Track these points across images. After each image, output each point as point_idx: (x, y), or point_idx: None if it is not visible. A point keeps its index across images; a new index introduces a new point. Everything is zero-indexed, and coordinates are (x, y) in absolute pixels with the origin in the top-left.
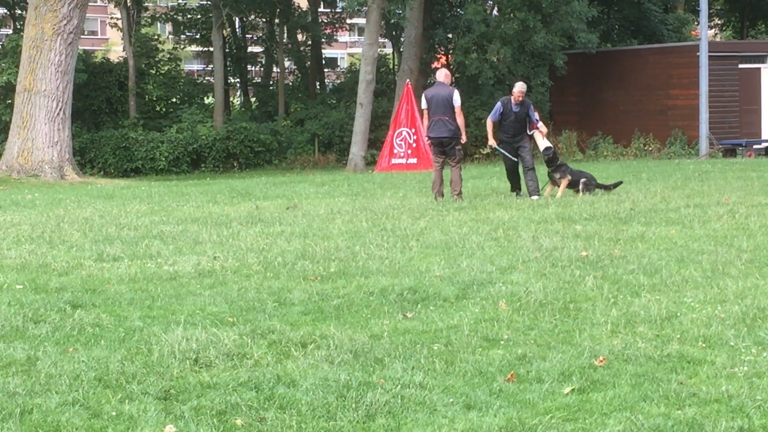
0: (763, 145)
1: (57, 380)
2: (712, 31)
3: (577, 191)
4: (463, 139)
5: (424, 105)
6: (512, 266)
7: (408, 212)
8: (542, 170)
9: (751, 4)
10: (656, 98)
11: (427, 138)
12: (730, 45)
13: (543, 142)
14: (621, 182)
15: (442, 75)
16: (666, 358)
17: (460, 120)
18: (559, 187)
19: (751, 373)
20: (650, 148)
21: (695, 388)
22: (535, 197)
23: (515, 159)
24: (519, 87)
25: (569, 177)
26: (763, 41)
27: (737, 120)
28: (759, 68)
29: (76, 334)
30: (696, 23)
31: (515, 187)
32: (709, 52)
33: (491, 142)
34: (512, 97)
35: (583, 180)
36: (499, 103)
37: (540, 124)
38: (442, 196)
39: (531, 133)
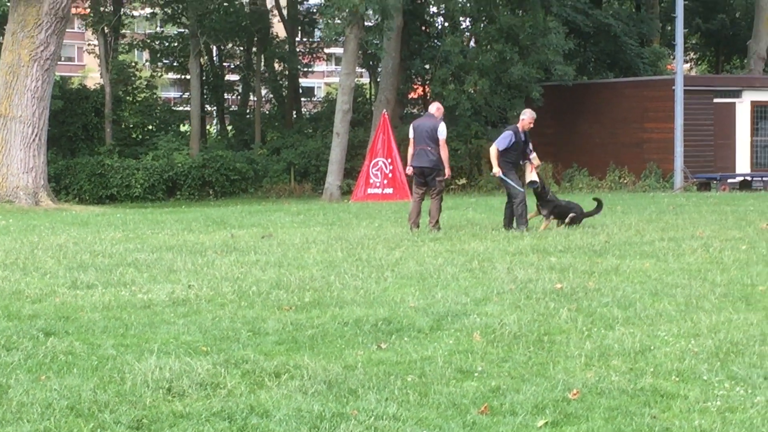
0: (737, 179)
1: (28, 408)
2: (688, 65)
3: (562, 223)
4: (447, 173)
5: (410, 134)
6: (487, 298)
7: (383, 242)
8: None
9: (726, 39)
10: (631, 131)
11: (410, 167)
12: (705, 79)
13: (531, 176)
14: (601, 202)
15: (434, 108)
16: (639, 392)
17: (443, 153)
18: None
19: (724, 408)
20: (625, 181)
21: (668, 423)
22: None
23: (522, 189)
24: (531, 114)
25: (551, 218)
26: (737, 76)
27: (712, 154)
28: (733, 103)
29: (49, 362)
30: (672, 57)
31: (509, 222)
32: (685, 86)
33: (497, 171)
34: (521, 125)
35: (570, 215)
36: (510, 133)
37: (533, 156)
38: (417, 227)
39: (523, 163)
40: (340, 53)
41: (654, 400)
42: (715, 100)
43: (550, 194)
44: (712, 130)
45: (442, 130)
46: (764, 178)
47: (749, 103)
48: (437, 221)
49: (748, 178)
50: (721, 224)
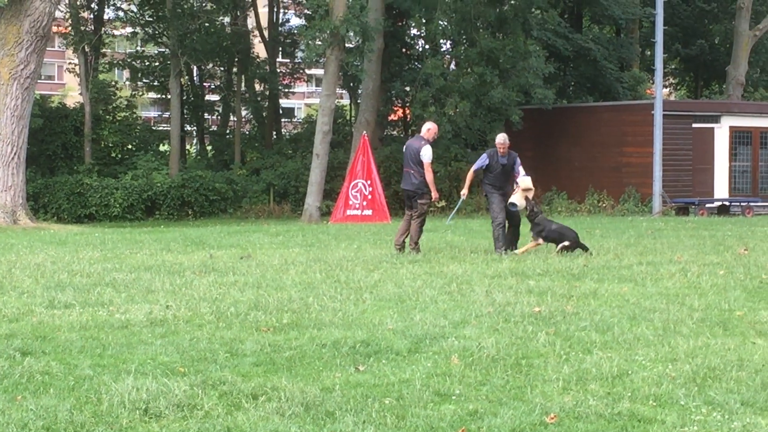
0: (716, 204)
1: (4, 429)
2: (667, 90)
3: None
4: (434, 195)
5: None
6: (465, 321)
7: (362, 264)
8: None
9: (705, 64)
10: (610, 155)
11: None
12: (684, 104)
13: (513, 197)
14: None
15: (425, 128)
16: (617, 416)
17: (428, 176)
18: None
19: None
20: (604, 205)
21: None
22: (498, 252)
23: (498, 213)
24: (500, 139)
25: (540, 241)
26: (716, 101)
27: (690, 179)
28: (712, 128)
29: (25, 382)
30: (651, 82)
31: (509, 245)
32: (664, 110)
33: (464, 192)
34: (497, 149)
35: (564, 244)
36: (485, 155)
37: (520, 178)
38: (402, 248)
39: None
40: (321, 74)
41: (631, 425)
42: (694, 125)
43: (539, 217)
44: (691, 154)
45: (426, 153)
46: (742, 203)
47: (728, 129)
48: (416, 243)
49: (727, 203)
50: (699, 249)
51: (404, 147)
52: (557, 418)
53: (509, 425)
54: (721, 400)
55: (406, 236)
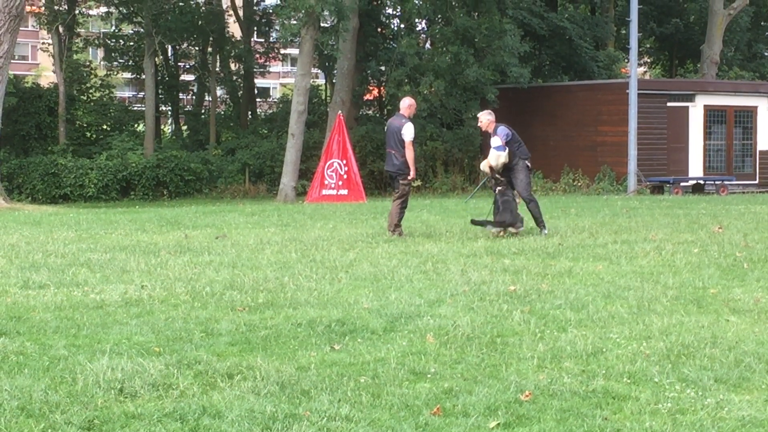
0: (690, 182)
1: None
2: (642, 68)
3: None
4: (412, 174)
5: None
6: (440, 299)
7: (337, 244)
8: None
9: (680, 43)
10: (586, 134)
11: None
12: (659, 83)
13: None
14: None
15: (405, 105)
16: (591, 394)
17: (408, 154)
18: None
19: (675, 410)
20: (579, 184)
21: (619, 424)
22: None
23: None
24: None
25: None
26: (691, 80)
27: (665, 157)
28: (687, 107)
29: None
30: (626, 61)
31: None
32: (639, 89)
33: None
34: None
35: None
36: (503, 127)
37: (492, 156)
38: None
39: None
40: (296, 54)
41: (606, 402)
42: (669, 104)
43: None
44: (666, 133)
45: (407, 132)
46: (717, 182)
47: (702, 107)
48: (397, 225)
49: (701, 182)
50: (673, 227)
51: (386, 127)
52: (532, 396)
53: (484, 403)
54: (695, 377)
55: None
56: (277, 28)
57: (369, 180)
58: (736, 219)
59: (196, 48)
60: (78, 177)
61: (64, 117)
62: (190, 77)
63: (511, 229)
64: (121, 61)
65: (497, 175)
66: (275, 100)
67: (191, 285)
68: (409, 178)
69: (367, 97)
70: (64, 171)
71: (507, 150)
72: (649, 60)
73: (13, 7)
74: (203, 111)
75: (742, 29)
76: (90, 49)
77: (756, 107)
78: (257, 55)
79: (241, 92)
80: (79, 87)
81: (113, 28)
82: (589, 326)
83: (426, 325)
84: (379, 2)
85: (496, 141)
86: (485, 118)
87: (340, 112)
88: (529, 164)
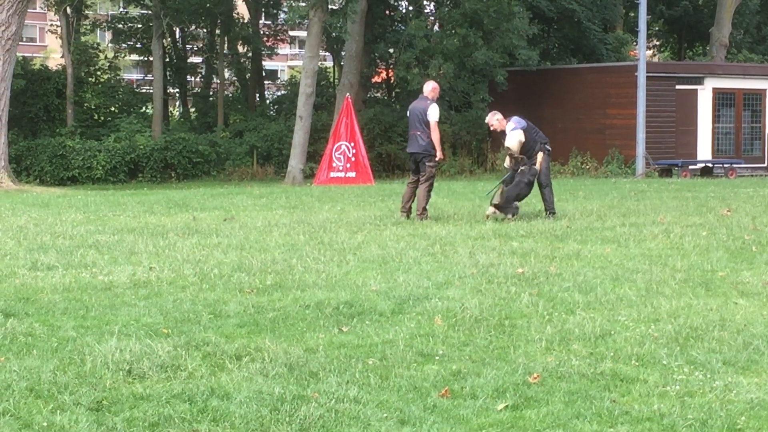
0: (699, 165)
1: None
2: (651, 51)
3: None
4: (438, 155)
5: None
6: (448, 282)
7: (345, 226)
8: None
9: (689, 26)
10: (594, 117)
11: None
12: (667, 66)
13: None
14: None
15: (429, 88)
16: (599, 376)
17: (434, 135)
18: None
19: (683, 392)
20: (587, 167)
21: (628, 407)
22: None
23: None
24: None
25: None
26: (700, 63)
27: (673, 140)
28: (695, 89)
29: (8, 344)
30: (634, 43)
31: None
32: (647, 72)
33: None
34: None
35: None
36: (518, 118)
37: (508, 138)
38: (408, 213)
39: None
40: (304, 36)
41: (614, 384)
42: (678, 87)
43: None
44: (674, 116)
45: (433, 113)
46: (725, 165)
47: (711, 90)
48: (424, 209)
49: (710, 165)
50: (682, 210)
51: (408, 110)
52: (540, 378)
53: (492, 385)
54: (703, 360)
55: (412, 201)
56: (285, 9)
57: (377, 162)
58: (745, 202)
59: (204, 30)
60: (86, 159)
61: (72, 99)
62: (198, 59)
63: (501, 214)
64: (129, 43)
65: (518, 156)
66: (283, 82)
67: (199, 267)
68: (437, 159)
69: (376, 79)
70: (72, 153)
71: (524, 135)
72: (657, 43)
73: None
74: (211, 93)
75: (752, 12)
76: (98, 31)
77: (765, 90)
78: (265, 38)
79: (249, 75)
80: (87, 69)
81: (121, 10)
82: (598, 309)
83: (434, 307)
84: None
85: (510, 125)
86: (495, 120)
87: (348, 94)
88: (549, 148)
